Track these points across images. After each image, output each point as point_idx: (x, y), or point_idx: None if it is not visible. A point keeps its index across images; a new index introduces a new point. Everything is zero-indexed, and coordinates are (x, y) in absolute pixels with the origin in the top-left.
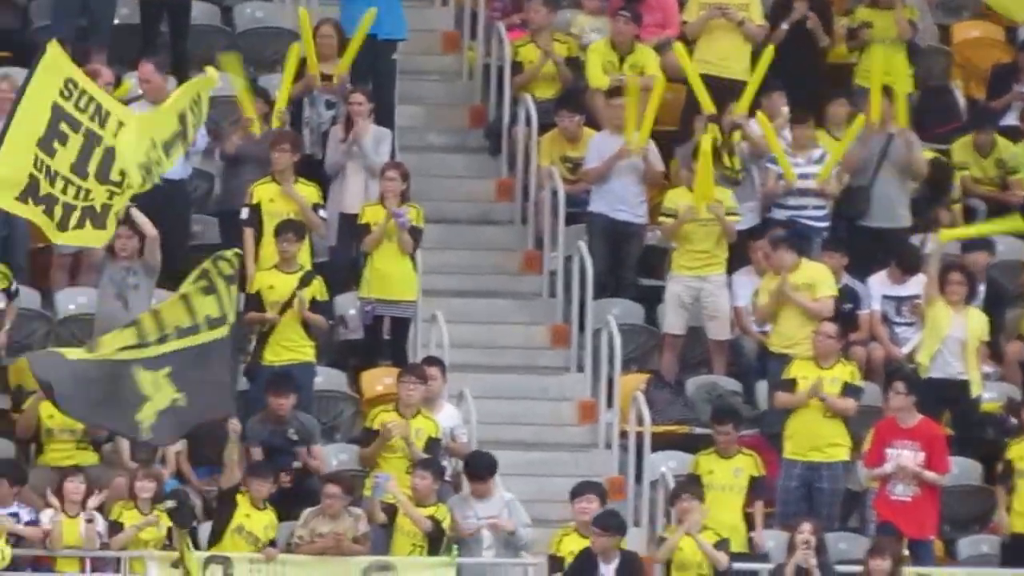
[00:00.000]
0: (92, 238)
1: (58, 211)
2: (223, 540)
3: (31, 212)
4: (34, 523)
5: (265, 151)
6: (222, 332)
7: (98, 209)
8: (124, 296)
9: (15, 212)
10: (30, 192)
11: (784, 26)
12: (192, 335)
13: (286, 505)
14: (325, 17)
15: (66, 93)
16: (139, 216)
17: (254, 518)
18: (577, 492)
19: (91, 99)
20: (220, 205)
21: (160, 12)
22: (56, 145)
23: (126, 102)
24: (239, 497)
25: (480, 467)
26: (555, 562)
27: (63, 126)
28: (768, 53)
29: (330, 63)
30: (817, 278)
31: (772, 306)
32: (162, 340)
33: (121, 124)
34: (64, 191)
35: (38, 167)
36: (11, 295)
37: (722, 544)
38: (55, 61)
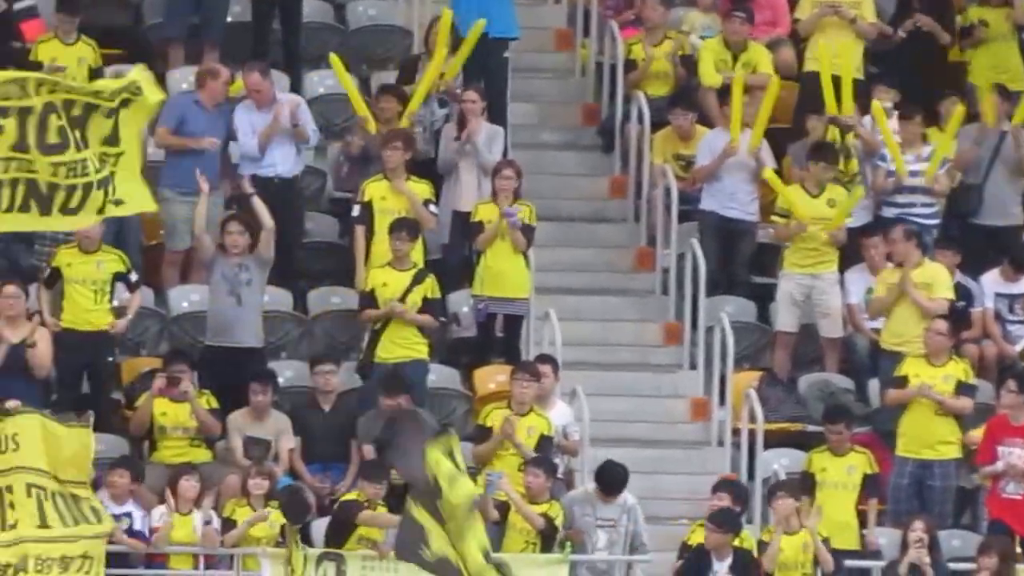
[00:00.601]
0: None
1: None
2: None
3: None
4: (141, 534)
5: (373, 151)
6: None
7: (42, 187)
8: (237, 292)
9: None
10: None
11: (901, 33)
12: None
13: (399, 502)
14: (439, 15)
15: None
16: (259, 205)
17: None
18: (713, 488)
19: (7, 81)
20: (340, 204)
21: (272, 10)
22: None
23: (235, 101)
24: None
25: (612, 481)
26: (686, 552)
27: None
28: (859, 50)
29: (444, 61)
30: (937, 279)
31: (889, 300)
32: None
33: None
34: (5, 170)
35: None
36: (132, 285)
37: (827, 544)
38: None
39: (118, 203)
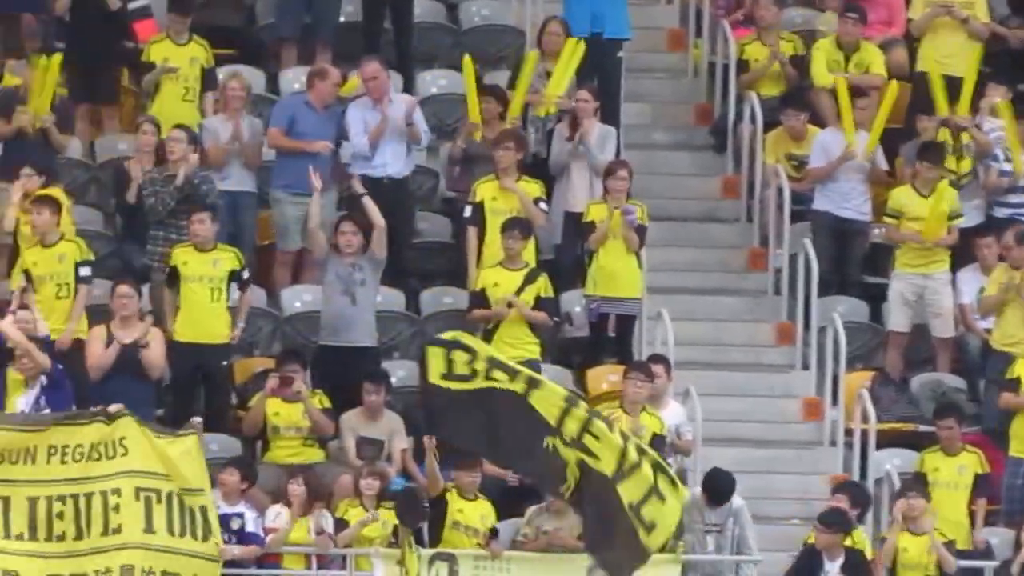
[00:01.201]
0: None
1: None
2: (443, 539)
3: None
4: (254, 536)
5: (482, 152)
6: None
7: None
8: (351, 292)
9: None
10: None
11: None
12: None
13: (511, 502)
14: (552, 15)
15: None
16: (370, 205)
17: (467, 511)
18: (833, 490)
19: None
20: (451, 204)
21: (383, 9)
22: None
23: (349, 101)
24: (448, 495)
25: (719, 490)
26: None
27: None
28: (978, 50)
29: (556, 60)
30: None
31: (999, 299)
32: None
33: None
34: None
35: None
36: (243, 284)
37: (948, 546)
38: None
39: None
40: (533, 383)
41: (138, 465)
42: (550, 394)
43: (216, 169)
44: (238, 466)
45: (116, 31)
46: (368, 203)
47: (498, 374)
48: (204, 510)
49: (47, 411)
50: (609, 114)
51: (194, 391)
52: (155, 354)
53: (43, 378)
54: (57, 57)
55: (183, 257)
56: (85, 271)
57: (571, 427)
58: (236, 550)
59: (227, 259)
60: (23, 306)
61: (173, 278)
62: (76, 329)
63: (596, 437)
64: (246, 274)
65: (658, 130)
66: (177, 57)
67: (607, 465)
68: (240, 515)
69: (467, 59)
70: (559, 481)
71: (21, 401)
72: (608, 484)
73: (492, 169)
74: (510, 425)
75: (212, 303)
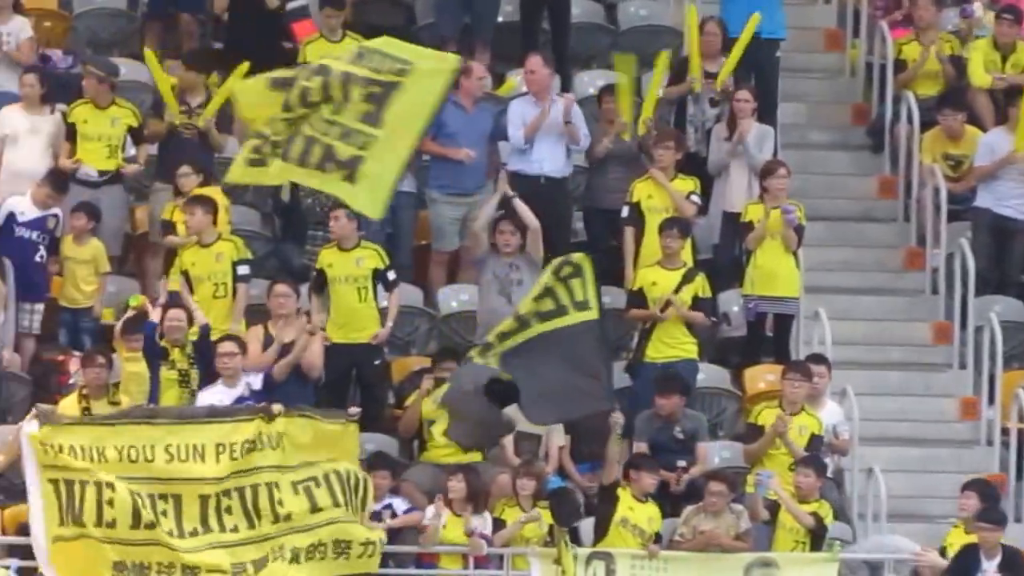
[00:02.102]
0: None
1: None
2: (608, 534)
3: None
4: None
5: (631, 151)
6: (590, 315)
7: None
8: (507, 292)
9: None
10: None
11: None
12: (558, 317)
13: (669, 502)
14: (709, 15)
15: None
16: (521, 206)
17: (637, 511)
18: (962, 487)
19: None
20: (585, 202)
21: (541, 9)
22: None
23: (509, 99)
24: (621, 491)
25: None
26: (940, 555)
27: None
28: None
29: (714, 61)
30: None
31: None
32: (524, 326)
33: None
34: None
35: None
36: (390, 284)
37: None
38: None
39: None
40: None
41: (293, 460)
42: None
43: None
44: (385, 466)
45: (274, 31)
46: (519, 204)
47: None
48: (366, 481)
49: None
50: (766, 114)
51: (348, 392)
52: (313, 354)
53: (251, 381)
54: (244, 67)
55: (328, 259)
56: (243, 270)
57: None
58: (398, 521)
59: (370, 257)
60: (177, 305)
61: (319, 282)
62: (237, 329)
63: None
64: (391, 274)
65: (815, 130)
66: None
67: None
68: (388, 506)
69: (628, 58)
70: None
71: (214, 396)
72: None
73: (630, 170)
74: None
75: (360, 303)
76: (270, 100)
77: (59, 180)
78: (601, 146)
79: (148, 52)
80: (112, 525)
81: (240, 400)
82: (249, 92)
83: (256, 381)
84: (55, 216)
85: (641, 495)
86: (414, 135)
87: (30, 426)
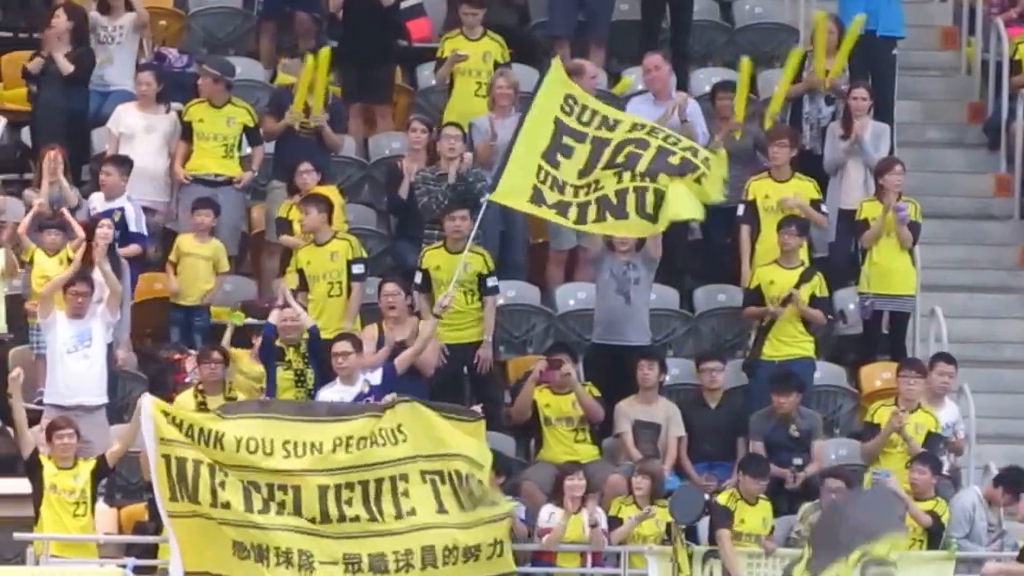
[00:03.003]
0: (622, 228)
1: (572, 212)
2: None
3: (547, 213)
4: (524, 523)
5: (747, 149)
6: None
7: (612, 197)
8: (625, 291)
9: (533, 213)
10: (537, 199)
11: None
12: None
13: (786, 499)
14: (826, 13)
15: (567, 108)
16: None
17: (748, 517)
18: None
19: (594, 112)
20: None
21: (662, 7)
22: (560, 158)
23: (626, 98)
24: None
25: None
26: None
27: (567, 139)
28: None
29: (829, 59)
30: None
31: None
32: None
33: (634, 126)
34: (575, 194)
35: (541, 178)
36: (488, 289)
37: None
38: (558, 77)
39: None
40: None
41: (419, 450)
42: None
43: (487, 167)
44: (497, 466)
45: (389, 29)
46: None
47: None
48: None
49: None
50: (883, 112)
51: (463, 391)
52: (427, 352)
53: (369, 377)
54: (326, 51)
55: (435, 260)
56: (358, 269)
57: None
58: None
59: (476, 262)
60: (287, 304)
61: (424, 283)
62: (351, 328)
63: None
64: (491, 280)
65: (931, 128)
66: (470, 52)
67: None
68: None
69: (745, 60)
70: None
71: (335, 395)
72: None
73: (744, 168)
74: None
75: (467, 306)
76: None
77: (123, 165)
78: (715, 143)
79: (325, 50)
80: (227, 506)
81: (360, 397)
82: None
83: (375, 377)
84: (119, 209)
85: (751, 497)
86: None
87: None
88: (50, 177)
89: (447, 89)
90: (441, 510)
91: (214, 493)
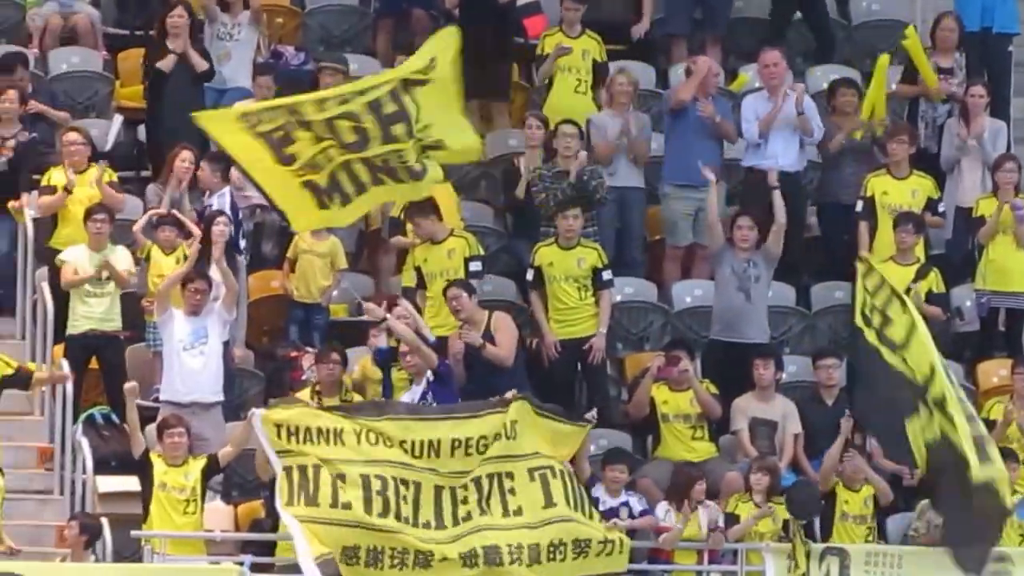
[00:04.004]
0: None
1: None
2: (831, 531)
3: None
4: (647, 512)
5: (865, 146)
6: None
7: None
8: (746, 288)
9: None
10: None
11: None
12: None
13: (903, 496)
14: (946, 11)
15: None
16: (778, 201)
17: (852, 501)
18: None
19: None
20: (819, 197)
21: (793, 4)
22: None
23: (742, 95)
24: (838, 488)
25: None
26: None
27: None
28: None
29: (948, 55)
30: None
31: None
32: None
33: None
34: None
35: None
36: (604, 283)
37: None
38: None
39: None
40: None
41: (529, 448)
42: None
43: (604, 165)
44: (621, 460)
45: (506, 26)
46: (778, 198)
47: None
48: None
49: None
50: (999, 109)
51: (576, 387)
52: (502, 344)
53: (429, 374)
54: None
55: (548, 257)
56: (475, 266)
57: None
58: (631, 523)
59: (590, 256)
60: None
61: (537, 280)
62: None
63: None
64: (606, 274)
65: None
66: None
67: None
68: (626, 503)
69: (884, 57)
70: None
71: (406, 399)
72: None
73: (863, 164)
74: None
75: (579, 302)
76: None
77: (221, 161)
78: (835, 141)
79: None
80: (348, 507)
81: (423, 395)
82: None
83: (430, 372)
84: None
85: (855, 484)
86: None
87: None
88: (181, 177)
89: (547, 86)
90: (549, 504)
91: (335, 494)
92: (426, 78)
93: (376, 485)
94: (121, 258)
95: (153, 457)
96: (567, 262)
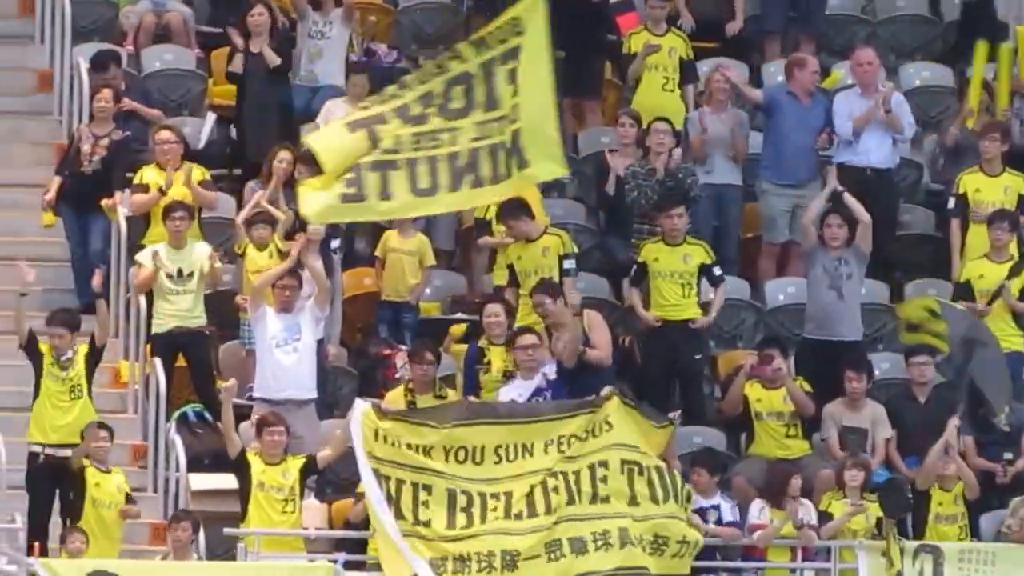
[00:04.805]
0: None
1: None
2: (924, 531)
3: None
4: (735, 524)
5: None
6: None
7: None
8: (838, 287)
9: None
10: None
11: None
12: None
13: (996, 494)
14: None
15: None
16: (851, 201)
17: (946, 502)
18: None
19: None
20: (935, 196)
21: None
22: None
23: (834, 92)
24: (932, 490)
25: None
26: None
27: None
28: None
29: None
30: None
31: None
32: None
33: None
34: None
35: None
36: (716, 279)
37: None
38: None
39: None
40: None
41: (623, 439)
42: None
43: (700, 162)
44: (707, 463)
45: (599, 24)
46: (849, 199)
47: None
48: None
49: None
50: None
51: (670, 384)
52: (598, 346)
53: (547, 371)
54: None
55: (653, 253)
56: (569, 264)
57: None
58: (717, 529)
59: (697, 254)
60: (496, 299)
61: (639, 275)
62: None
63: None
64: (717, 270)
65: None
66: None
67: None
68: (716, 507)
69: (1005, 48)
70: None
71: (514, 391)
72: None
73: (976, 161)
74: None
75: (682, 299)
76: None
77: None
78: (949, 135)
79: None
80: (427, 525)
81: (538, 391)
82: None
83: (552, 370)
84: None
85: (948, 484)
86: (548, 81)
87: (363, 406)
88: (283, 178)
89: (634, 85)
90: (633, 502)
91: (415, 512)
92: (517, 44)
93: (462, 501)
94: (201, 256)
95: (250, 456)
96: (673, 259)
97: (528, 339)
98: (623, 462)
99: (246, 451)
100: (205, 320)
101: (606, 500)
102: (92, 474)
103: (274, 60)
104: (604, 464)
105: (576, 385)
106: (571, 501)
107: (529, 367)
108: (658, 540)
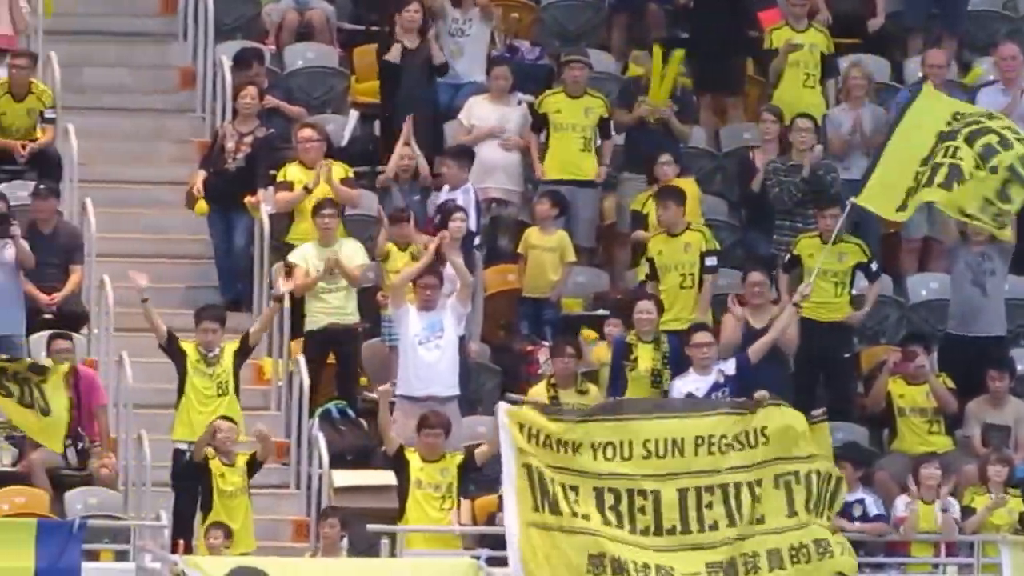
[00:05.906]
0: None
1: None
2: None
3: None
4: (881, 517)
5: None
6: None
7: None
8: (981, 283)
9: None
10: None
11: None
12: None
13: None
14: None
15: (952, 123)
16: None
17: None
18: None
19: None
20: None
21: None
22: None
23: (976, 88)
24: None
25: None
26: None
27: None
28: None
29: None
30: None
31: None
32: None
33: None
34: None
35: (916, 182)
36: (872, 275)
37: None
38: (932, 101)
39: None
40: None
41: (778, 452)
42: None
43: (839, 159)
44: (852, 457)
45: (740, 20)
46: None
47: None
48: (840, 481)
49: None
50: None
51: (816, 378)
52: (789, 338)
53: (724, 367)
54: (679, 53)
55: (808, 249)
56: (711, 261)
57: None
58: (860, 527)
59: (852, 252)
60: (645, 296)
61: (791, 265)
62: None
63: None
64: (874, 266)
65: None
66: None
67: None
68: (861, 501)
69: None
70: None
71: (690, 384)
72: None
73: None
74: None
75: (836, 297)
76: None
77: (462, 157)
78: None
79: (678, 53)
80: (587, 518)
81: (715, 387)
82: None
83: (729, 367)
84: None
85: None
86: None
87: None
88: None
89: (776, 81)
90: (791, 514)
91: (571, 505)
92: None
93: (609, 500)
94: (352, 253)
95: (408, 453)
96: (829, 257)
97: (702, 336)
98: (777, 477)
99: (404, 448)
100: (358, 317)
101: (762, 520)
102: (216, 466)
103: (440, 57)
104: (759, 483)
105: (756, 377)
106: (731, 523)
107: (703, 364)
108: (821, 544)
